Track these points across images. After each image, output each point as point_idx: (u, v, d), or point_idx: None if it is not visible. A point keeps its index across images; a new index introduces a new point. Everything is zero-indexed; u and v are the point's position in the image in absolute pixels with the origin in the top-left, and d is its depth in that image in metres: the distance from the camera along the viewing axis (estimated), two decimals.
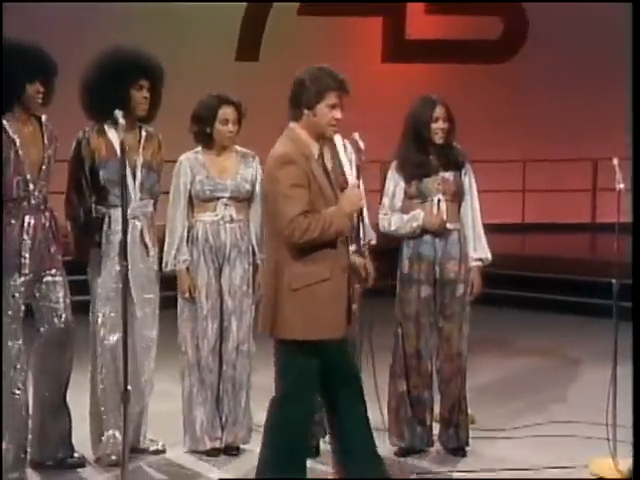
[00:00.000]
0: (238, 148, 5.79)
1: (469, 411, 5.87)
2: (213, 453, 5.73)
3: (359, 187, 4.84)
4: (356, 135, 5.45)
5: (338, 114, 4.54)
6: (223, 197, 5.67)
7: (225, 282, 5.72)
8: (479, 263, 5.76)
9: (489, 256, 5.77)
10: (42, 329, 5.42)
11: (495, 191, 11.83)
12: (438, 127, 5.62)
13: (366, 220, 5.79)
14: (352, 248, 5.49)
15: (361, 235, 5.76)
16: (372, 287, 5.82)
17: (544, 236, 14.14)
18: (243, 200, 5.76)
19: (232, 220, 5.71)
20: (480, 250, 5.75)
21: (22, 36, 5.35)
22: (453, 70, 15.00)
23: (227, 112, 5.68)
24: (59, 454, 5.50)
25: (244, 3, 15.07)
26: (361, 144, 5.44)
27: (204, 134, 5.72)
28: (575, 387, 7.52)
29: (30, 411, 5.38)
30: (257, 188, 5.72)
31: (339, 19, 15.09)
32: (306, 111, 4.53)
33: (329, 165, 4.69)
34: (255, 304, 5.65)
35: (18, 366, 5.27)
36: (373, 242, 5.85)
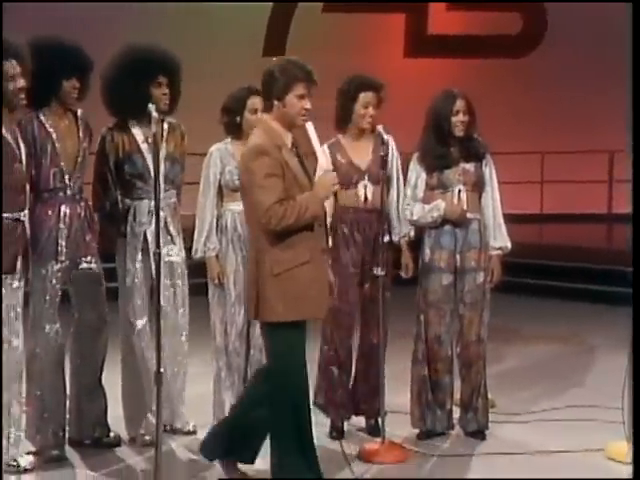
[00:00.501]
0: None
1: (489, 396, 5.95)
2: None
3: (384, 179, 4.87)
4: (380, 128, 5.61)
5: (307, 104, 4.60)
6: None
7: None
8: (499, 252, 5.82)
9: (509, 245, 5.83)
10: (78, 314, 5.58)
11: (514, 182, 11.85)
12: (459, 120, 5.69)
13: (401, 212, 5.93)
14: (386, 239, 5.67)
15: (395, 227, 5.92)
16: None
17: (562, 226, 14.14)
18: None
19: None
20: (500, 239, 5.80)
21: (58, 34, 5.49)
22: (474, 65, 15.06)
23: (256, 102, 5.73)
24: (96, 433, 5.64)
25: (270, 3, 15.29)
26: (385, 136, 5.60)
27: (234, 124, 5.80)
28: (592, 373, 7.56)
29: (67, 392, 5.55)
30: None
31: (363, 16, 15.18)
32: (276, 102, 4.60)
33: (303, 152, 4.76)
34: None
35: (55, 349, 5.44)
36: (412, 234, 5.96)
